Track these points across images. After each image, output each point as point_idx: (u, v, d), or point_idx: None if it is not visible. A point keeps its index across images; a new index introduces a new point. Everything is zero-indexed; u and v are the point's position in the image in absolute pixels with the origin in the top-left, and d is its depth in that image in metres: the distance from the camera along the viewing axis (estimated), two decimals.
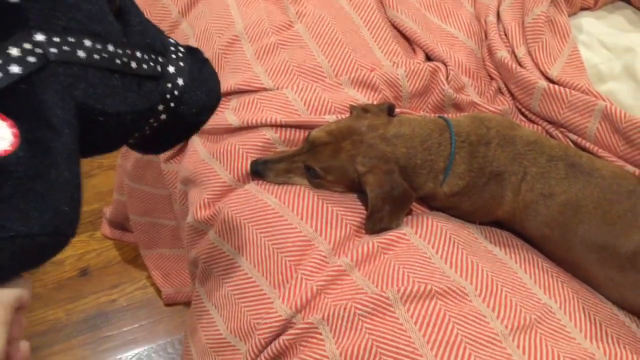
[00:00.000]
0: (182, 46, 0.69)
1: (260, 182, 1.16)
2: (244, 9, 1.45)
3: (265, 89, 1.27)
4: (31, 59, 0.48)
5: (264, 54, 1.34)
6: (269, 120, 1.19)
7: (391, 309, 0.96)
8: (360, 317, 0.96)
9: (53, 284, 1.89)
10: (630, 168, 1.18)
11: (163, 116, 0.67)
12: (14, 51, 0.47)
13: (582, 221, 1.04)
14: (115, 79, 0.57)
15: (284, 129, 1.20)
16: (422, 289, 0.98)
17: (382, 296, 0.97)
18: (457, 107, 1.32)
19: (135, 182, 1.62)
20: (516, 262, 1.09)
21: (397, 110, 1.26)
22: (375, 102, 1.26)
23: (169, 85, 0.66)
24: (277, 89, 1.27)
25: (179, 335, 1.80)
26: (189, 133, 0.78)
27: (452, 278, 1.02)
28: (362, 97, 1.27)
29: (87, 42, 0.53)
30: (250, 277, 1.09)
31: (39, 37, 0.49)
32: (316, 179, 1.11)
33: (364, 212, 1.13)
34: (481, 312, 0.97)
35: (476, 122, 1.11)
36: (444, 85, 1.30)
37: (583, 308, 1.04)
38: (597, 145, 1.22)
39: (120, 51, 0.58)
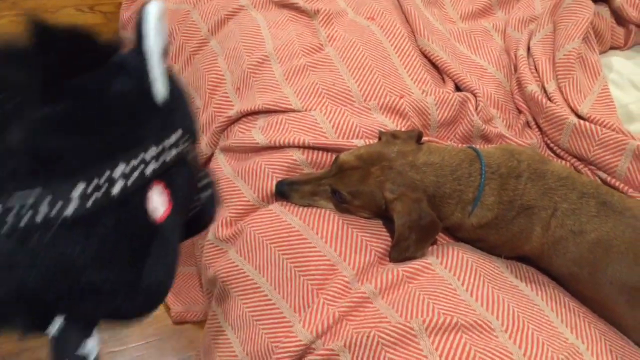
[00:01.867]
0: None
1: (285, 203, 1.15)
2: (275, 30, 1.45)
3: (293, 110, 1.27)
4: (179, 149, 0.59)
5: (293, 75, 1.34)
6: (296, 141, 1.18)
7: (415, 340, 0.94)
8: (384, 347, 0.93)
9: None
10: None
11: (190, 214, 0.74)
12: (174, 137, 0.58)
13: (612, 261, 1.02)
14: (194, 179, 0.69)
15: (311, 150, 1.19)
16: (447, 321, 0.96)
17: (406, 326, 0.95)
18: (485, 138, 1.31)
19: None
20: (542, 299, 1.06)
21: (425, 138, 1.25)
22: (403, 129, 1.25)
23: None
24: (306, 110, 1.27)
25: (187, 354, 1.76)
26: (195, 233, 0.84)
27: (478, 311, 0.99)
28: (391, 123, 1.26)
29: (190, 145, 0.64)
30: (270, 299, 1.07)
31: (179, 132, 0.60)
32: (343, 204, 1.10)
33: (389, 238, 1.11)
34: (508, 348, 0.95)
35: (507, 154, 1.10)
36: (473, 115, 1.29)
37: (610, 350, 1.01)
38: (627, 184, 1.21)
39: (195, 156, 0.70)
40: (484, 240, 1.11)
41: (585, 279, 1.05)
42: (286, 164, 1.18)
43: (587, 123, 1.26)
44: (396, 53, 1.40)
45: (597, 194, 1.06)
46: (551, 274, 1.12)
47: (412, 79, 1.36)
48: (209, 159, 1.32)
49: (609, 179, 1.23)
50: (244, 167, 1.21)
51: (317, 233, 1.09)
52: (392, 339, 0.94)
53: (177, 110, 0.61)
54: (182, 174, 0.61)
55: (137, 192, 0.53)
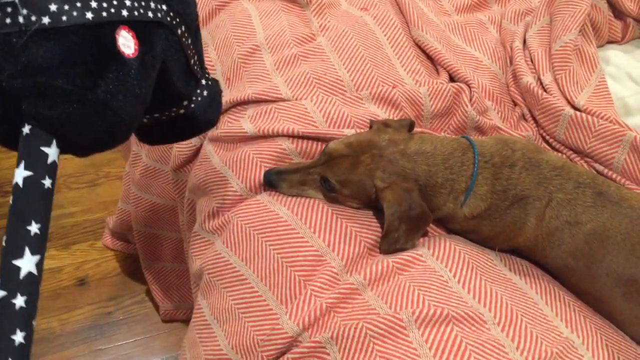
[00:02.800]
0: (209, 74, 0.94)
1: (273, 193, 1.12)
2: (266, 20, 1.42)
3: (283, 100, 1.24)
4: (158, 14, 0.71)
5: (284, 65, 1.31)
6: (285, 130, 1.16)
7: (405, 332, 0.91)
8: (372, 339, 0.90)
9: (49, 292, 1.84)
10: None
11: (182, 111, 0.86)
12: (152, 4, 0.70)
13: (609, 252, 0.99)
14: (183, 62, 0.80)
15: (300, 140, 1.16)
16: (438, 312, 0.93)
17: (395, 318, 0.92)
18: (480, 130, 1.28)
19: (141, 191, 1.58)
20: (537, 292, 1.03)
21: (417, 129, 1.22)
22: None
23: (198, 91, 0.87)
24: (296, 100, 1.24)
25: (175, 353, 1.74)
26: (188, 135, 0.98)
27: (470, 304, 0.96)
28: (383, 113, 1.23)
29: (183, 28, 0.78)
30: (257, 291, 1.04)
31: (164, 6, 0.73)
32: (332, 193, 1.07)
33: (379, 229, 1.08)
34: (500, 341, 0.92)
35: (501, 144, 1.07)
36: (467, 106, 1.27)
37: (606, 345, 0.98)
38: (625, 177, 1.18)
39: (194, 50, 0.83)
40: (477, 232, 1.08)
41: (581, 271, 1.03)
42: (275, 154, 1.15)
43: (583, 114, 1.23)
44: (389, 43, 1.37)
45: (593, 184, 1.03)
46: (546, 267, 1.09)
47: (405, 70, 1.33)
48: (198, 149, 1.29)
49: (605, 171, 1.21)
50: (232, 157, 1.18)
51: (305, 223, 1.06)
52: (380, 331, 0.91)
53: None
54: (160, 38, 0.73)
55: (108, 24, 0.64)
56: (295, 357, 0.93)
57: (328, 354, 0.91)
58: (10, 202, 0.61)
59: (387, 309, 0.95)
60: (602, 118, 1.22)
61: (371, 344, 0.90)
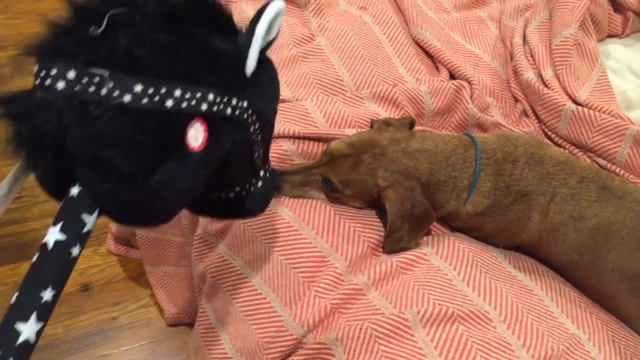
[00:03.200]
0: (270, 166, 0.94)
1: (275, 194, 1.11)
2: None
3: (284, 100, 1.24)
4: (237, 112, 0.71)
5: (283, 66, 1.31)
6: (286, 131, 1.15)
7: (410, 331, 0.90)
8: (377, 339, 0.90)
9: None
10: None
11: (232, 195, 0.86)
12: (234, 101, 0.70)
13: (614, 247, 0.99)
14: (247, 156, 0.80)
15: (301, 140, 1.16)
16: (443, 311, 0.92)
17: (400, 317, 0.91)
18: (481, 127, 1.28)
19: None
20: (542, 289, 1.03)
21: (419, 128, 1.22)
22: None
23: (254, 181, 0.87)
24: (297, 100, 1.23)
25: (181, 357, 1.73)
26: (228, 217, 1.00)
27: (475, 302, 0.96)
28: (384, 112, 1.23)
29: (257, 125, 0.77)
30: (261, 294, 1.03)
31: (245, 104, 0.72)
32: (334, 193, 1.07)
33: (382, 229, 1.07)
34: (506, 339, 0.91)
35: (503, 140, 1.07)
36: (468, 103, 1.26)
37: (613, 341, 0.98)
38: (627, 171, 1.18)
39: (262, 145, 0.82)
40: (480, 229, 1.08)
41: (585, 266, 1.02)
42: (276, 155, 1.15)
43: (585, 109, 1.23)
44: (389, 42, 1.37)
45: (597, 178, 1.03)
46: (550, 263, 1.08)
47: (405, 68, 1.33)
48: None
49: (608, 165, 1.20)
50: None
51: (308, 224, 1.06)
52: (385, 331, 0.90)
53: (255, 88, 0.74)
54: (231, 134, 0.72)
55: (184, 116, 0.64)
56: (301, 359, 0.92)
57: (333, 355, 0.90)
58: (34, 258, 0.60)
59: (391, 308, 0.94)
60: (604, 112, 1.22)
61: (376, 345, 0.89)
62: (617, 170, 1.19)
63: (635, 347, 0.99)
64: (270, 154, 1.14)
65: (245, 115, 0.73)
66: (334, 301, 0.96)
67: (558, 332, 0.95)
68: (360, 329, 0.91)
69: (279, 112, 1.19)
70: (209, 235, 1.16)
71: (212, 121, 0.68)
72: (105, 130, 0.60)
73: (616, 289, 1.00)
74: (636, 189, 1.03)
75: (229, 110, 0.69)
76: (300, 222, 1.06)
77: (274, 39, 0.74)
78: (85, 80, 0.59)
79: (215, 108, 0.67)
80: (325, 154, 1.07)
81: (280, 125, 1.17)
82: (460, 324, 0.91)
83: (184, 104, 0.63)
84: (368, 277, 0.99)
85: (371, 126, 1.14)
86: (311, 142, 1.16)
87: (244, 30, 0.72)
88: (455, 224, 1.11)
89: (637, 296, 0.99)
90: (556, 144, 1.29)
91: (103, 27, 0.61)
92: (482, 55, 1.44)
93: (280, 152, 1.15)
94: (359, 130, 1.17)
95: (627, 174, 1.17)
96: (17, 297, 0.58)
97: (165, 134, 0.63)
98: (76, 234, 0.61)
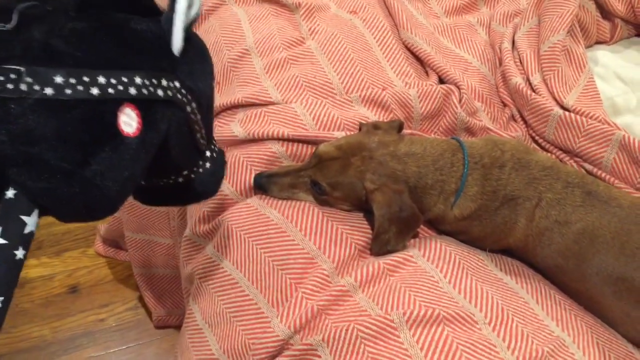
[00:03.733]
0: (216, 145, 0.92)
1: (264, 196, 1.11)
2: (256, 24, 1.43)
3: (273, 103, 1.24)
4: (169, 93, 0.69)
5: (273, 68, 1.31)
6: (275, 133, 1.16)
7: (396, 332, 0.91)
8: (363, 340, 0.90)
9: (41, 300, 1.82)
10: None
11: (180, 179, 0.84)
12: (164, 82, 0.69)
13: (598, 251, 1.00)
14: (187, 137, 0.78)
15: (290, 143, 1.16)
16: (429, 313, 0.92)
17: (386, 319, 0.92)
18: (469, 131, 1.28)
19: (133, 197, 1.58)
20: (528, 292, 1.03)
21: (407, 131, 1.22)
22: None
23: (201, 162, 0.85)
24: (286, 103, 1.24)
25: (169, 359, 1.72)
26: (182, 202, 0.97)
27: (461, 304, 0.96)
28: (373, 116, 1.23)
29: (193, 105, 0.75)
30: (248, 295, 1.03)
31: (177, 84, 0.71)
32: (322, 195, 1.07)
33: (370, 231, 1.08)
34: (491, 341, 0.92)
35: (490, 144, 1.07)
36: (456, 108, 1.27)
37: (597, 343, 0.98)
38: (613, 176, 1.18)
39: (202, 125, 0.80)
40: (468, 233, 1.08)
41: (571, 270, 1.03)
42: (265, 157, 1.15)
43: (572, 114, 1.23)
44: (379, 46, 1.37)
45: (582, 183, 1.04)
46: (536, 266, 1.09)
47: (394, 72, 1.33)
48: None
49: (595, 170, 1.21)
50: None
51: (296, 226, 1.06)
52: (372, 332, 0.90)
53: (186, 66, 0.72)
54: (167, 116, 0.70)
55: (112, 102, 0.62)
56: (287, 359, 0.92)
57: (319, 356, 0.90)
58: None
59: (378, 310, 0.94)
60: (590, 118, 1.23)
61: (362, 345, 0.89)
62: (603, 175, 1.20)
63: (619, 350, 1.00)
64: (251, 156, 1.14)
65: (179, 95, 0.72)
66: (321, 302, 0.96)
67: (543, 334, 0.96)
68: (347, 330, 0.91)
69: (268, 114, 1.21)
70: (197, 237, 1.16)
71: (144, 105, 0.66)
72: (30, 126, 0.58)
73: (601, 293, 1.01)
74: (620, 194, 1.04)
75: (160, 92, 0.68)
76: (288, 223, 1.06)
77: (197, 15, 0.72)
78: (1, 78, 0.57)
79: (145, 91, 0.66)
80: (314, 157, 1.07)
81: (270, 127, 1.17)
82: (445, 326, 0.92)
83: (111, 90, 0.62)
84: (355, 279, 0.99)
85: (360, 129, 1.14)
86: (300, 145, 1.17)
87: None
88: (443, 227, 1.11)
89: (621, 299, 1.00)
90: (543, 148, 1.30)
91: (14, 22, 0.59)
92: (472, 60, 1.45)
93: (269, 154, 1.15)
94: (348, 133, 1.18)
95: (612, 179, 1.18)
96: None
97: (95, 122, 0.62)
98: (17, 237, 0.60)
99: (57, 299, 1.84)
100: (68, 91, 0.59)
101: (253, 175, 1.12)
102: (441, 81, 1.36)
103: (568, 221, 1.01)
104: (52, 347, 1.73)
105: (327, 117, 1.20)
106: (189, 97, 0.74)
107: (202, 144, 0.83)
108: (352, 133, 1.17)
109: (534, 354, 0.91)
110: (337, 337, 0.91)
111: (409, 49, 1.41)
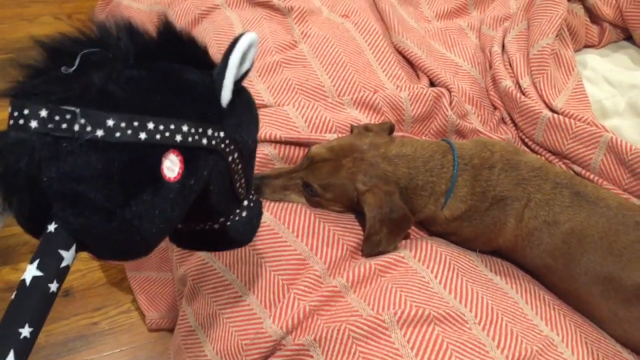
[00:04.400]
0: (254, 195, 0.93)
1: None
2: (248, 27, 1.44)
3: (266, 106, 1.25)
4: (213, 142, 0.71)
5: (266, 71, 1.33)
6: (268, 135, 1.17)
7: (387, 332, 0.92)
8: (355, 340, 0.91)
9: None
10: (636, 201, 1.15)
11: (216, 226, 0.86)
12: (210, 132, 0.70)
13: (586, 251, 1.01)
14: (227, 186, 0.79)
15: (283, 145, 1.17)
16: (420, 313, 0.93)
17: (378, 319, 0.93)
18: (460, 133, 1.30)
19: None
20: (517, 292, 1.05)
21: (399, 133, 1.23)
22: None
23: (238, 211, 0.87)
24: (279, 105, 1.25)
25: None
26: (214, 248, 0.98)
27: (451, 304, 0.97)
28: (364, 118, 1.24)
29: (236, 155, 0.77)
30: (241, 296, 1.04)
31: (222, 134, 0.73)
32: (314, 197, 1.08)
33: (362, 232, 1.09)
34: (481, 340, 0.93)
35: (480, 146, 1.09)
36: (447, 110, 1.29)
37: (586, 342, 1.00)
38: (602, 177, 1.20)
39: (242, 175, 0.81)
40: (458, 233, 1.10)
41: (559, 270, 1.04)
42: (258, 159, 1.15)
43: (561, 117, 1.25)
44: (370, 49, 1.39)
45: (570, 184, 1.05)
46: (525, 267, 1.10)
47: (386, 75, 1.35)
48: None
49: (583, 172, 1.23)
50: None
51: (288, 227, 1.07)
52: (363, 332, 0.91)
53: (232, 119, 0.75)
54: (209, 164, 0.72)
55: (158, 148, 0.65)
56: None
57: (312, 357, 0.91)
58: (13, 295, 0.60)
59: (369, 310, 0.95)
60: (579, 120, 1.24)
61: (354, 346, 0.90)
62: (592, 176, 1.21)
63: (607, 349, 1.01)
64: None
65: (222, 145, 0.74)
66: (313, 303, 0.97)
67: (532, 333, 0.97)
68: (339, 330, 0.92)
69: (261, 117, 1.21)
70: None
71: (188, 152, 0.68)
72: (78, 165, 0.60)
73: (589, 292, 1.02)
74: (608, 195, 1.06)
75: (204, 141, 0.70)
76: (281, 225, 1.07)
77: (249, 70, 0.75)
78: (57, 117, 0.60)
79: (190, 139, 0.68)
80: (306, 158, 1.09)
81: (262, 129, 1.18)
82: (436, 325, 0.93)
83: (158, 136, 0.64)
84: (347, 280, 1.00)
85: (351, 131, 1.15)
86: (292, 147, 1.18)
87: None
88: (434, 228, 1.12)
89: (609, 299, 1.01)
90: (533, 150, 1.32)
91: (75, 66, 0.62)
92: (462, 63, 1.46)
93: (262, 156, 1.16)
94: (340, 135, 1.19)
95: (601, 180, 1.20)
96: None
97: (140, 166, 0.64)
98: (53, 270, 0.61)
99: None
100: (118, 134, 0.62)
101: None
102: (432, 84, 1.38)
103: (557, 221, 1.03)
104: (45, 351, 1.72)
105: (319, 119, 1.21)
106: (232, 147, 0.76)
107: (240, 193, 0.85)
108: (343, 135, 1.18)
109: (523, 353, 0.92)
110: (329, 337, 0.92)
111: (400, 53, 1.43)
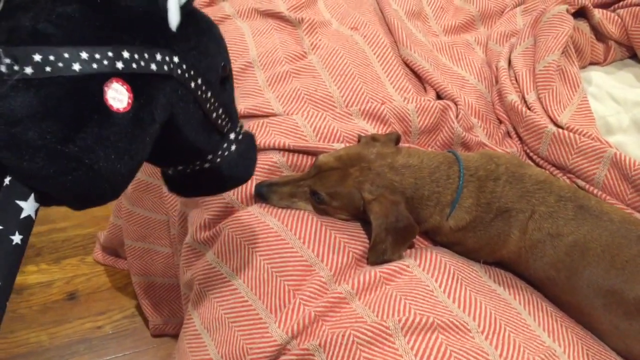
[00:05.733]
0: (242, 128, 0.90)
1: (264, 205, 1.14)
2: (259, 38, 1.46)
3: (275, 115, 1.27)
4: (165, 67, 0.68)
5: (275, 81, 1.35)
6: (276, 144, 1.18)
7: (391, 339, 0.93)
8: (359, 346, 0.92)
9: (38, 306, 1.84)
10: (639, 216, 1.16)
11: (207, 165, 0.83)
12: (158, 56, 0.67)
13: (589, 264, 1.02)
14: (200, 116, 0.76)
15: (291, 153, 1.19)
16: (423, 320, 0.95)
17: (382, 325, 0.94)
18: (466, 146, 1.32)
19: (133, 205, 1.60)
20: (520, 303, 1.06)
21: (405, 145, 1.25)
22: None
23: (225, 145, 0.84)
24: (287, 115, 1.27)
25: None
26: (217, 190, 0.95)
27: (455, 312, 0.99)
28: (372, 129, 1.26)
29: (199, 81, 0.73)
30: (247, 300, 1.05)
31: (175, 59, 0.69)
32: (321, 205, 1.10)
33: (367, 241, 1.10)
34: (484, 349, 0.94)
35: (485, 158, 1.10)
36: (453, 123, 1.30)
37: (587, 354, 1.01)
38: (605, 192, 1.21)
39: (216, 103, 0.78)
40: (462, 244, 1.11)
41: (562, 282, 1.05)
42: (266, 167, 1.18)
43: (565, 132, 1.27)
44: (378, 61, 1.41)
45: (574, 197, 1.06)
46: (528, 278, 1.11)
47: (393, 87, 1.37)
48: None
49: (587, 187, 1.24)
50: None
51: (295, 234, 1.08)
52: (367, 338, 0.93)
53: (188, 43, 0.71)
54: (165, 91, 0.69)
55: (98, 77, 0.62)
56: None
57: None
58: None
59: (374, 317, 0.97)
60: (583, 135, 1.26)
61: (358, 351, 0.91)
62: (595, 191, 1.23)
63: None
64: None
65: (179, 71, 0.70)
66: (318, 309, 0.98)
67: (534, 344, 0.98)
68: (343, 335, 0.93)
69: (270, 125, 1.23)
70: (198, 243, 1.19)
71: (136, 79, 0.65)
72: (12, 107, 0.58)
73: (591, 305, 1.03)
74: (611, 209, 1.07)
75: (153, 66, 0.66)
76: (288, 231, 1.09)
77: None
78: None
79: (134, 65, 0.64)
80: (314, 167, 1.10)
81: (271, 138, 1.20)
82: (440, 333, 0.94)
83: (95, 65, 0.61)
84: (352, 287, 1.01)
85: (358, 141, 1.17)
86: (300, 155, 1.20)
87: None
88: (438, 238, 1.14)
89: (610, 312, 1.02)
90: (537, 164, 1.33)
91: (0, 9, 0.60)
92: (469, 77, 1.48)
93: (270, 164, 1.18)
94: (347, 144, 1.21)
95: (604, 195, 1.21)
96: None
97: (77, 98, 0.61)
98: (13, 221, 0.60)
99: (55, 305, 1.85)
100: (48, 69, 0.59)
101: (254, 184, 1.15)
102: (439, 97, 1.40)
103: (560, 234, 1.04)
104: (49, 353, 1.74)
105: (327, 129, 1.23)
106: (192, 72, 0.72)
107: (221, 125, 0.82)
108: (351, 145, 1.20)
109: None
110: (333, 342, 0.93)
111: (408, 66, 1.45)
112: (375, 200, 1.05)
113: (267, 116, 1.28)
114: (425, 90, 1.42)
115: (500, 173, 1.08)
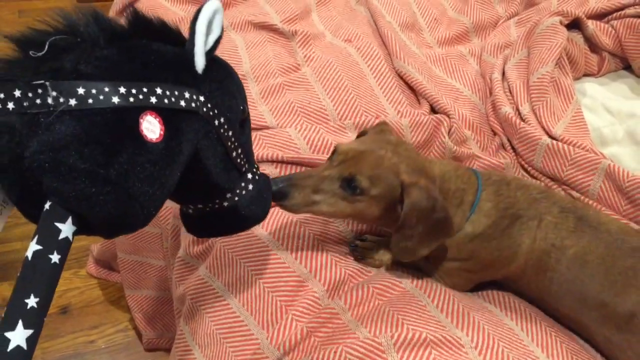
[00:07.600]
0: (259, 169, 0.94)
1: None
2: (252, 51, 1.46)
3: (268, 127, 1.27)
4: (192, 104, 0.73)
5: (269, 94, 1.34)
6: (270, 156, 1.18)
7: (384, 355, 0.92)
8: None
9: None
10: (634, 227, 1.15)
11: (225, 203, 0.87)
12: (187, 94, 0.73)
13: (586, 277, 1.01)
14: (222, 153, 0.81)
15: (284, 165, 1.18)
16: (416, 336, 0.94)
17: (375, 342, 0.93)
18: (457, 159, 1.31)
19: None
20: (512, 319, 1.05)
21: None
22: None
23: (243, 184, 0.88)
24: (281, 127, 1.26)
25: None
26: (233, 229, 0.95)
27: (448, 328, 0.98)
28: None
29: (222, 119, 0.79)
30: (239, 316, 1.04)
31: (201, 98, 0.75)
32: (357, 196, 0.95)
33: (356, 263, 1.09)
34: None
35: (489, 169, 1.09)
36: (444, 137, 1.30)
37: None
38: (600, 203, 1.21)
39: (236, 142, 0.83)
40: (474, 258, 1.05)
41: (562, 296, 1.04)
42: None
43: (560, 143, 1.26)
44: (372, 74, 1.41)
45: (574, 208, 1.05)
46: (527, 293, 1.09)
47: (387, 100, 1.36)
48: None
49: (582, 198, 1.23)
50: None
51: (287, 249, 1.07)
52: (359, 355, 0.91)
53: (211, 84, 0.77)
54: (192, 126, 0.74)
55: (134, 109, 0.67)
56: None
57: None
58: (19, 273, 0.62)
59: (366, 332, 0.95)
60: (578, 147, 1.25)
61: None
62: (590, 202, 1.22)
63: None
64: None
65: (204, 109, 0.76)
66: (311, 324, 0.97)
67: (528, 359, 0.97)
68: (335, 352, 0.92)
69: (263, 138, 1.23)
70: (190, 258, 1.18)
71: (167, 114, 0.70)
72: (56, 135, 0.63)
73: (588, 318, 1.02)
74: (609, 220, 1.06)
75: (182, 102, 0.72)
76: (280, 246, 1.08)
77: (220, 37, 0.77)
78: (30, 94, 0.63)
79: (166, 100, 0.70)
80: (337, 154, 0.97)
81: (264, 150, 1.20)
82: (432, 349, 0.93)
83: (131, 99, 0.67)
84: (345, 302, 1.00)
85: (358, 137, 1.09)
86: (294, 167, 1.19)
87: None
88: (448, 254, 1.09)
89: (604, 325, 1.01)
90: (532, 176, 1.33)
91: (45, 51, 0.65)
92: (463, 89, 1.48)
93: None
94: None
95: (599, 206, 1.21)
96: (5, 309, 0.60)
97: (116, 127, 0.66)
98: (52, 242, 0.63)
99: (48, 319, 1.80)
100: (90, 100, 0.64)
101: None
102: (433, 110, 1.39)
103: (563, 246, 1.02)
104: None
105: (320, 141, 1.22)
106: (216, 111, 0.78)
107: (240, 164, 0.86)
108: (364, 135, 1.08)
109: None
110: (325, 358, 0.92)
111: (402, 78, 1.44)
112: (414, 184, 0.94)
113: (260, 129, 1.27)
114: (419, 103, 1.42)
115: (510, 179, 1.07)
